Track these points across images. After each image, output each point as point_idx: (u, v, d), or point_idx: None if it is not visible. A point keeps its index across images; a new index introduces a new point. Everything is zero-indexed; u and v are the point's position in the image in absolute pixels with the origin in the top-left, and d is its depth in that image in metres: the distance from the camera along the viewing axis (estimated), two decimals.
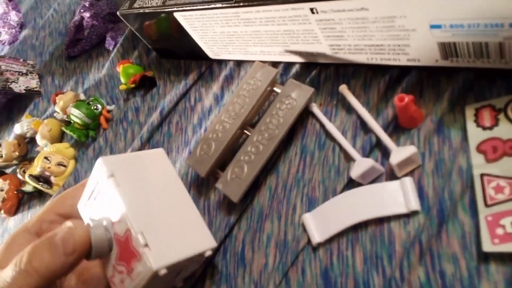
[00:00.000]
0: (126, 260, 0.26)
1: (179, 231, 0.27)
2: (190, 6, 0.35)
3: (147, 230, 0.25)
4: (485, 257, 0.23)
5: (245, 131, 0.33)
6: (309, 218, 0.28)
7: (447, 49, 0.25)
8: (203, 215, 0.34)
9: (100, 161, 0.27)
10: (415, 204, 0.25)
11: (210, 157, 0.32)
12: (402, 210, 0.26)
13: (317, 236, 0.28)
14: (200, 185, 0.35)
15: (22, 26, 0.74)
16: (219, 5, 0.32)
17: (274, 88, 0.34)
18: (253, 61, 0.38)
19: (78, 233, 0.26)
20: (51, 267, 0.26)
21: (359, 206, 0.27)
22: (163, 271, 0.24)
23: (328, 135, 0.31)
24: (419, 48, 0.27)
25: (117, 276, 0.27)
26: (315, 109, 0.32)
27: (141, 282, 0.25)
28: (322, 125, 0.32)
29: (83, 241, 0.26)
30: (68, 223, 0.26)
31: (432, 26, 0.24)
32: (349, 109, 0.31)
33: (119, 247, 0.26)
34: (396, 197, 0.26)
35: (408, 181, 0.26)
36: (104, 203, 0.27)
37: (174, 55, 0.45)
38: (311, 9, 0.28)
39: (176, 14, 0.37)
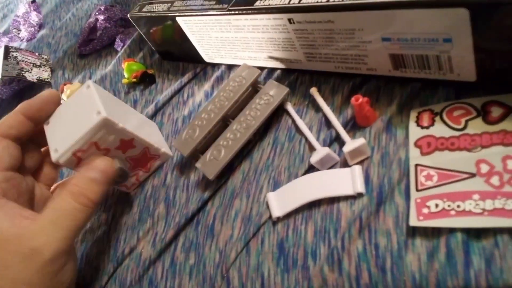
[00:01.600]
0: (142, 165, 0.40)
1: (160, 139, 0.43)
2: (190, 12, 0.40)
3: (153, 140, 0.39)
4: (413, 233, 0.27)
5: (227, 122, 0.38)
6: (272, 196, 0.32)
7: (397, 60, 0.30)
8: (182, 192, 0.38)
9: (105, 117, 0.33)
10: (360, 188, 0.29)
11: (193, 140, 0.37)
12: (350, 192, 0.30)
13: (277, 211, 0.32)
14: (182, 166, 0.40)
15: (41, 26, 0.80)
16: (215, 12, 0.38)
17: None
18: None
19: (109, 161, 0.34)
20: (101, 196, 0.32)
21: (315, 187, 0.31)
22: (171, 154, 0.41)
23: (298, 129, 0.36)
24: (375, 59, 0.32)
25: (130, 179, 0.40)
26: (289, 107, 0.37)
27: (157, 167, 0.41)
28: (294, 121, 0.36)
29: (113, 166, 0.34)
30: (97, 158, 0.33)
31: (383, 39, 0.29)
32: (317, 108, 0.36)
33: (133, 162, 0.38)
34: (346, 181, 0.30)
35: (357, 168, 0.30)
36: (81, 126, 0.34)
37: (175, 57, 0.51)
38: (289, 19, 0.33)
39: (178, 19, 0.42)
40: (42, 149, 0.38)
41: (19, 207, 0.31)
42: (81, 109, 0.35)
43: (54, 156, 0.33)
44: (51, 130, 0.36)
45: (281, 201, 0.32)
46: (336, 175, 0.31)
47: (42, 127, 0.36)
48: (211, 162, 0.35)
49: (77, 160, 0.34)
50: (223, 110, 0.37)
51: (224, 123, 0.38)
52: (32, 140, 0.36)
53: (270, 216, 0.32)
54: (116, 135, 0.35)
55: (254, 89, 0.39)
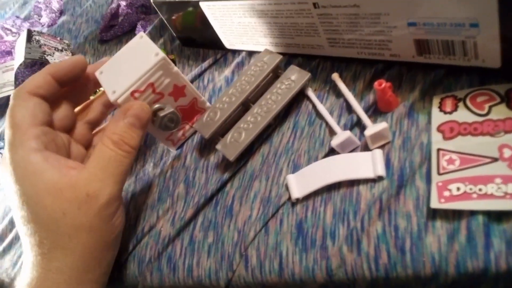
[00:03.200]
0: (189, 119, 0.41)
1: None
2: None
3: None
4: (433, 216, 0.27)
5: (248, 106, 0.38)
6: (291, 178, 0.33)
7: (421, 45, 0.31)
8: (201, 173, 0.39)
9: (164, 57, 0.35)
10: (381, 171, 0.30)
11: (214, 123, 0.37)
12: (370, 175, 0.30)
13: (296, 193, 0.32)
14: (202, 148, 0.40)
15: (62, 12, 0.81)
16: None
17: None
18: None
19: (144, 106, 0.35)
20: (140, 140, 0.34)
21: (335, 169, 0.31)
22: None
23: (318, 114, 0.36)
24: (399, 44, 0.32)
25: (176, 133, 0.41)
26: (310, 93, 0.37)
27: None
28: (314, 106, 0.36)
29: (149, 111, 0.35)
30: (133, 103, 0.35)
31: (409, 24, 0.30)
32: (338, 94, 0.36)
33: (181, 113, 0.39)
34: (366, 164, 0.30)
35: (378, 152, 0.30)
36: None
37: (195, 43, 0.51)
38: (314, 4, 0.33)
39: (202, 4, 0.43)
40: (76, 109, 0.40)
41: (63, 158, 0.33)
42: (137, 55, 0.37)
43: (112, 97, 0.35)
44: (105, 77, 0.38)
45: (301, 183, 0.32)
46: (357, 158, 0.31)
47: (66, 89, 0.38)
48: (232, 144, 0.36)
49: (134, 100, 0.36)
50: (244, 94, 0.38)
51: (244, 107, 0.39)
52: (64, 99, 0.38)
53: (289, 198, 0.33)
54: (171, 79, 0.37)
55: (275, 74, 0.39)
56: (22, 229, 0.32)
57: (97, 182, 0.31)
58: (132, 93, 0.35)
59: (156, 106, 0.37)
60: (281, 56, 0.39)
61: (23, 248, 0.32)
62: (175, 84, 0.38)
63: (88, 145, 0.40)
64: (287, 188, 0.33)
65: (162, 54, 0.35)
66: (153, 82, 0.36)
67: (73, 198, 0.31)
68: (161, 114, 0.36)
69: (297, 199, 0.32)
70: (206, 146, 0.40)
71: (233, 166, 0.37)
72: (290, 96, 0.36)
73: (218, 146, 0.36)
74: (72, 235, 0.31)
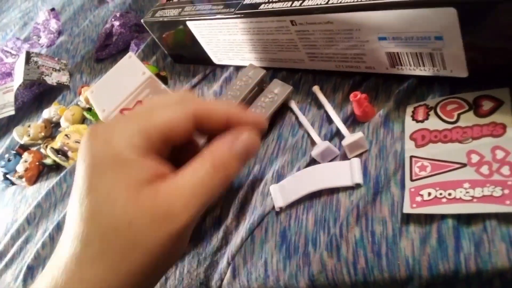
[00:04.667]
0: None
1: None
2: (199, 16, 0.43)
3: None
4: (407, 220, 0.28)
5: None
6: (275, 188, 0.34)
7: (393, 58, 0.32)
8: None
9: (152, 76, 0.37)
10: (358, 179, 0.31)
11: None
12: (348, 183, 0.31)
13: (280, 202, 0.33)
14: None
15: (60, 33, 0.83)
16: (222, 16, 0.40)
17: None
18: None
19: (256, 139, 0.29)
20: (238, 173, 0.32)
21: (316, 179, 0.33)
22: None
23: (301, 125, 0.37)
24: (372, 57, 0.33)
25: None
26: (293, 105, 0.39)
27: None
28: (297, 118, 0.38)
29: (259, 145, 0.29)
30: (249, 133, 0.28)
31: (380, 38, 0.31)
32: (319, 106, 0.37)
33: None
34: (345, 172, 0.32)
35: (355, 161, 0.32)
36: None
37: (186, 60, 0.53)
38: (291, 21, 0.35)
39: (188, 23, 0.44)
40: None
41: (159, 157, 0.28)
42: (125, 74, 0.39)
43: (102, 116, 0.37)
44: (95, 96, 0.40)
45: (284, 192, 0.34)
46: (335, 167, 0.32)
47: None
48: None
49: None
50: None
51: None
52: None
53: (274, 207, 0.34)
54: (158, 94, 0.39)
55: (260, 88, 0.41)
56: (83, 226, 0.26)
57: (180, 203, 0.26)
58: (121, 111, 0.37)
59: None
60: (264, 71, 0.40)
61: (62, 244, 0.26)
62: None
63: None
64: (271, 198, 0.34)
65: (148, 73, 0.37)
66: (141, 99, 0.37)
67: (147, 209, 0.25)
68: None
69: (281, 208, 0.33)
70: None
71: None
72: (273, 109, 0.37)
73: None
74: (126, 253, 0.25)
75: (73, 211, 0.26)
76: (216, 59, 0.48)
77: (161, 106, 0.28)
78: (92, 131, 0.27)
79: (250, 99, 0.40)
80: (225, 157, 0.28)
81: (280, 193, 0.34)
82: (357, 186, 0.31)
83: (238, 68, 0.47)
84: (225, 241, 0.35)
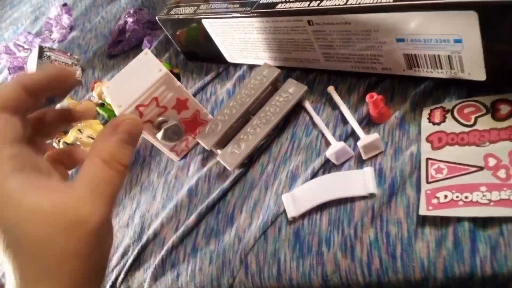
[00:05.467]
0: (192, 130, 0.43)
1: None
2: (215, 15, 0.43)
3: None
4: (422, 222, 0.28)
5: (248, 118, 0.40)
6: (287, 197, 0.34)
7: (411, 60, 0.32)
8: (203, 182, 0.40)
9: (167, 72, 0.38)
10: (372, 188, 0.31)
11: (216, 134, 0.39)
12: (362, 192, 0.31)
13: (292, 211, 0.33)
14: (204, 159, 0.42)
15: (72, 28, 0.84)
16: (238, 14, 0.40)
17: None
18: None
19: (135, 120, 0.31)
20: (131, 157, 0.31)
21: (328, 188, 0.33)
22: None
23: (315, 125, 0.37)
24: (389, 59, 0.33)
25: (180, 144, 0.44)
26: (307, 105, 0.39)
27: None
28: (311, 118, 0.38)
29: (140, 126, 0.32)
30: (124, 117, 0.31)
31: (398, 40, 0.31)
32: (334, 106, 0.38)
33: (185, 126, 0.40)
34: (358, 182, 0.32)
35: (369, 170, 0.32)
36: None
37: (199, 58, 0.53)
38: (308, 21, 0.35)
39: (204, 21, 0.45)
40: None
41: (45, 178, 0.30)
42: (141, 71, 0.40)
43: (118, 111, 0.37)
44: (111, 92, 0.40)
45: (296, 201, 0.33)
46: (348, 176, 0.32)
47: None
48: (232, 155, 0.37)
49: (139, 114, 0.38)
50: (244, 106, 0.39)
51: (245, 118, 0.40)
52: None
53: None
54: (174, 92, 0.39)
55: (274, 87, 0.41)
56: (3, 258, 0.28)
57: (86, 206, 0.28)
58: (137, 107, 0.37)
59: (160, 119, 0.39)
60: (279, 70, 0.40)
61: (6, 278, 0.30)
62: (178, 97, 0.40)
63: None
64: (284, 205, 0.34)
65: (165, 69, 0.37)
66: (157, 96, 0.38)
67: (59, 223, 0.28)
68: (165, 126, 0.38)
69: (294, 218, 0.33)
70: (209, 157, 0.42)
71: (234, 176, 0.39)
72: (287, 108, 0.38)
73: (219, 157, 0.38)
74: (60, 263, 0.28)
75: None
76: (230, 58, 0.48)
77: None
78: None
79: (264, 98, 0.40)
80: (112, 149, 0.29)
81: (293, 202, 0.34)
82: (371, 195, 0.31)
83: (251, 67, 0.47)
84: (237, 239, 0.35)
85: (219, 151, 0.39)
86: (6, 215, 0.28)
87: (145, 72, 0.38)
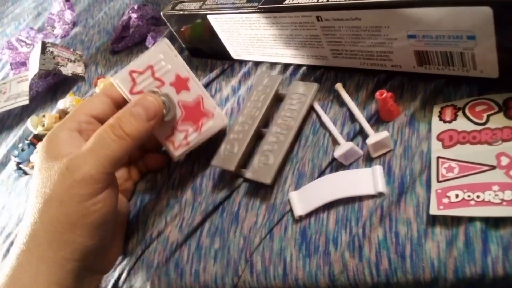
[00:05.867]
0: (194, 120, 0.38)
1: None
2: (221, 10, 0.42)
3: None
4: (433, 222, 0.28)
5: (260, 131, 0.39)
6: (294, 195, 0.34)
7: (421, 57, 0.32)
8: (208, 180, 0.40)
9: (166, 42, 0.36)
10: (381, 187, 0.30)
11: (235, 154, 0.37)
12: (371, 191, 0.31)
13: (299, 210, 0.33)
14: (209, 156, 0.41)
15: (74, 24, 0.83)
16: (245, 10, 0.40)
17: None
18: (269, 62, 0.45)
19: (157, 100, 0.35)
20: (139, 132, 0.33)
21: (336, 186, 0.32)
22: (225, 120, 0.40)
23: (322, 123, 0.37)
24: (400, 55, 0.33)
25: (178, 134, 0.38)
26: (315, 102, 0.38)
27: (209, 134, 0.39)
28: (318, 115, 0.37)
29: (161, 107, 0.35)
30: (146, 94, 0.35)
31: (409, 36, 0.30)
32: (342, 104, 0.37)
33: (184, 111, 0.37)
34: (367, 180, 0.31)
35: (378, 169, 0.31)
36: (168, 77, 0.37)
37: (203, 54, 0.53)
38: (317, 17, 0.34)
39: (209, 17, 0.44)
40: None
41: (83, 140, 0.34)
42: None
43: (111, 78, 0.36)
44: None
45: (303, 200, 0.33)
46: (357, 175, 0.32)
47: None
48: (263, 168, 0.35)
49: (132, 82, 0.35)
50: (256, 120, 0.38)
51: (257, 132, 0.39)
52: None
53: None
54: (173, 66, 0.37)
55: (276, 93, 0.40)
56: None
57: (78, 159, 0.32)
58: (130, 72, 0.35)
59: (151, 89, 0.36)
60: (280, 77, 0.40)
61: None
62: (177, 73, 0.37)
63: None
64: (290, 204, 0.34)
65: (166, 40, 0.36)
66: (152, 64, 0.36)
67: (56, 170, 0.32)
68: None
69: (300, 216, 0.33)
70: (213, 155, 0.41)
71: (237, 176, 0.38)
72: (305, 109, 0.36)
73: (251, 176, 0.35)
74: (43, 207, 0.32)
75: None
76: (235, 54, 0.48)
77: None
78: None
79: (269, 107, 0.39)
80: (123, 116, 0.33)
81: (299, 200, 0.33)
82: (380, 194, 0.30)
83: (257, 64, 0.46)
84: (242, 238, 0.35)
85: (245, 170, 0.37)
86: (42, 159, 0.33)
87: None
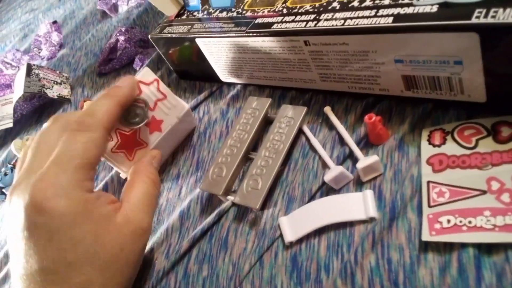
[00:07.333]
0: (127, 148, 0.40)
1: None
2: (209, 34, 0.42)
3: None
4: (425, 248, 0.27)
5: (248, 154, 0.39)
6: (284, 221, 0.33)
7: (409, 81, 0.32)
8: (196, 205, 0.39)
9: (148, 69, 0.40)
10: (372, 212, 0.30)
11: (223, 178, 0.37)
12: (362, 216, 0.30)
13: (290, 236, 0.32)
14: (197, 181, 0.41)
15: (61, 45, 0.83)
16: (234, 34, 0.40)
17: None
18: (258, 85, 0.45)
19: (158, 154, 0.40)
20: (124, 93, 0.37)
21: (327, 212, 0.31)
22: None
23: (311, 147, 0.37)
24: (387, 79, 0.33)
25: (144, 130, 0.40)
26: (304, 126, 0.38)
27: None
28: (308, 139, 0.37)
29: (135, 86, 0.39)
30: (155, 151, 0.41)
31: (396, 61, 0.31)
32: (331, 127, 0.37)
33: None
34: (358, 205, 0.31)
35: (369, 193, 0.31)
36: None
37: (192, 77, 0.53)
38: (305, 42, 0.34)
39: (198, 40, 0.44)
40: None
41: (104, 193, 0.34)
42: None
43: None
44: None
45: (294, 225, 0.32)
46: (348, 199, 0.31)
47: None
48: (251, 193, 0.35)
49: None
50: (244, 144, 0.38)
51: (245, 156, 0.38)
52: None
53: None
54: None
55: (265, 117, 0.40)
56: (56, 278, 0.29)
57: (147, 218, 0.34)
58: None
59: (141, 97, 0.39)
60: (270, 99, 0.40)
61: None
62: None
63: None
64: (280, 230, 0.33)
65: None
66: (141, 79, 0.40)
67: (130, 233, 0.32)
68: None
69: (291, 243, 0.32)
70: (201, 178, 0.41)
71: (226, 200, 0.37)
72: (293, 132, 0.36)
73: (237, 200, 0.35)
74: (125, 271, 0.32)
75: (47, 264, 0.29)
76: (223, 77, 0.48)
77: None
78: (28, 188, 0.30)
79: (258, 130, 0.39)
80: (154, 172, 0.38)
81: (290, 226, 0.32)
82: (371, 219, 0.30)
83: (246, 86, 0.46)
84: (231, 264, 0.34)
85: (231, 196, 0.37)
86: (85, 227, 0.30)
87: None
